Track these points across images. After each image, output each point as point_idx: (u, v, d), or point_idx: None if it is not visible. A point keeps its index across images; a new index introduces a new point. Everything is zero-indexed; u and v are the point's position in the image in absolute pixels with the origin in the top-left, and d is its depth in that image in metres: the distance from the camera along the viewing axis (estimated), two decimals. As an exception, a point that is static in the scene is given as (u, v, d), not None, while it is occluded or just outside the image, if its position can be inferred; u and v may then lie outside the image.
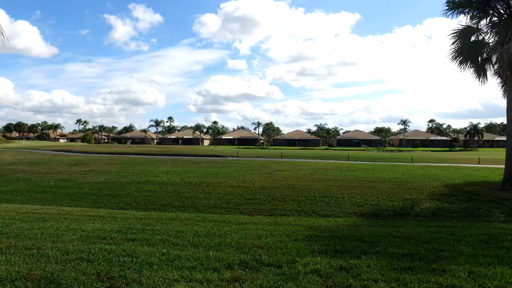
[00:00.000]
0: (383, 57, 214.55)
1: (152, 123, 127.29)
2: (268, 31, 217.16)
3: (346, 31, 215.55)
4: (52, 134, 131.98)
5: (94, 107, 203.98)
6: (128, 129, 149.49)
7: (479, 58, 16.20)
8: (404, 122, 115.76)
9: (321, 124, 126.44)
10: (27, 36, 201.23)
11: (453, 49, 16.13)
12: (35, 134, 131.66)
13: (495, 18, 15.42)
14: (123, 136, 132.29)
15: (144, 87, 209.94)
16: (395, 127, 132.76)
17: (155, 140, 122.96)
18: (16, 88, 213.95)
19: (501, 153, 43.36)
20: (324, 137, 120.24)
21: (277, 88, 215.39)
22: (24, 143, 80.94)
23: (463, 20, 16.12)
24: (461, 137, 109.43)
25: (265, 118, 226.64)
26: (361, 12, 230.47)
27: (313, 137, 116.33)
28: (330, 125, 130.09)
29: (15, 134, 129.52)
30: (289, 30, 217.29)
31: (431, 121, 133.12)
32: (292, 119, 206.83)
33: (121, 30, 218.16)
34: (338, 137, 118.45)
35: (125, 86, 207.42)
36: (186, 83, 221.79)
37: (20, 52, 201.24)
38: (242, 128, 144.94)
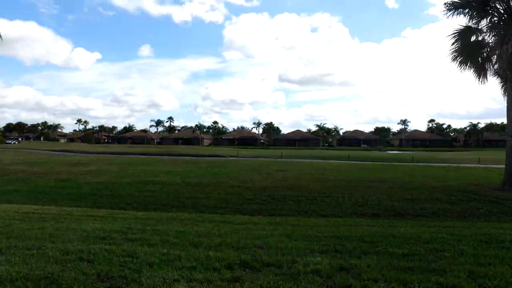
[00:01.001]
0: (378, 61, 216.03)
1: (153, 123, 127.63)
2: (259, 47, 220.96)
3: (337, 38, 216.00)
4: (52, 134, 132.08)
5: (112, 109, 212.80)
6: (128, 129, 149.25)
7: (479, 58, 16.19)
8: (404, 122, 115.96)
9: (321, 124, 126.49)
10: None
11: (453, 49, 16.14)
12: (35, 134, 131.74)
13: (495, 18, 15.41)
14: (123, 136, 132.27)
15: (154, 90, 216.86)
16: (395, 127, 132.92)
17: (155, 140, 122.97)
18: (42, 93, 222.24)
19: (501, 153, 43.33)
20: (325, 137, 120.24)
21: (276, 93, 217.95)
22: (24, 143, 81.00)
23: (463, 20, 16.06)
24: (461, 137, 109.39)
25: (265, 119, 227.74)
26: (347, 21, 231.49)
27: (313, 136, 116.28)
28: (330, 125, 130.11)
29: (15, 134, 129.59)
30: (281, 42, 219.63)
31: (431, 121, 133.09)
32: (292, 119, 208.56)
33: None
34: (338, 137, 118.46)
35: (133, 89, 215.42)
36: (185, 86, 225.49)
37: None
38: (242, 128, 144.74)
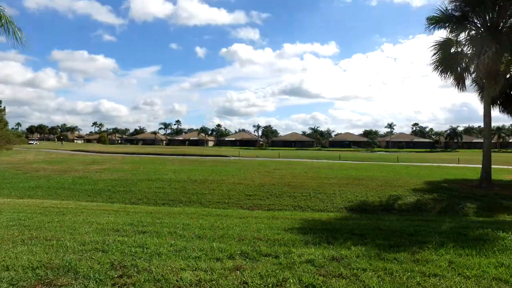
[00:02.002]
0: (365, 72, 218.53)
1: (161, 125, 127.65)
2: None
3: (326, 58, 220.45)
4: (70, 135, 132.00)
5: (137, 115, 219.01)
6: (139, 131, 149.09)
7: (458, 68, 16.15)
8: (390, 126, 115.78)
9: (315, 127, 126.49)
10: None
11: (434, 60, 16.10)
12: (55, 136, 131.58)
13: (473, 32, 15.42)
14: (134, 137, 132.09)
15: (171, 99, 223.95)
16: (382, 130, 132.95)
17: (164, 141, 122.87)
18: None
19: (478, 154, 43.45)
20: (318, 139, 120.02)
21: (274, 102, 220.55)
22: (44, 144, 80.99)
23: (443, 33, 16.07)
24: (442, 139, 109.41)
25: (264, 123, 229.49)
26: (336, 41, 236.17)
27: (308, 138, 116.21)
28: (323, 128, 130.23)
29: (36, 135, 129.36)
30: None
31: (414, 124, 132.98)
32: (288, 123, 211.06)
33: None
34: (330, 139, 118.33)
35: (154, 98, 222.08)
36: (196, 96, 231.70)
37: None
38: (243, 130, 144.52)
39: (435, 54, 15.98)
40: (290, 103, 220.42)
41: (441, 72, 16.14)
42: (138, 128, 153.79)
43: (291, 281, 3.51)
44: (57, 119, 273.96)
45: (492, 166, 15.53)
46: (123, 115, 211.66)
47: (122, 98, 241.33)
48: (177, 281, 3.47)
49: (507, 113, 18.04)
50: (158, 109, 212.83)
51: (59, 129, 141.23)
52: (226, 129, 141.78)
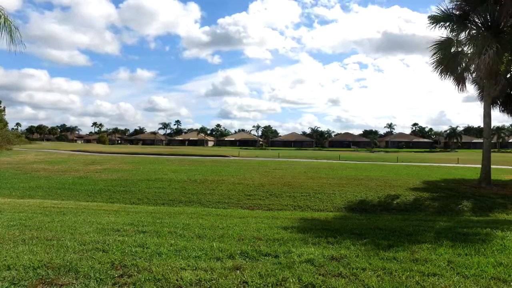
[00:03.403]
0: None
1: (161, 126, 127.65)
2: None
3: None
4: (70, 135, 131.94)
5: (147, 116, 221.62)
6: (139, 131, 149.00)
7: (459, 68, 16.15)
8: (390, 126, 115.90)
9: (314, 127, 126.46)
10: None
11: (434, 60, 16.09)
12: (55, 136, 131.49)
13: (474, 31, 15.42)
14: (134, 137, 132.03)
15: (177, 102, 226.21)
16: (382, 130, 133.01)
17: (163, 142, 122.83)
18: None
19: (477, 154, 43.50)
20: (317, 139, 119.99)
21: (274, 104, 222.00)
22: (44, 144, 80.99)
23: (444, 32, 16.02)
24: (442, 139, 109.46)
25: (264, 123, 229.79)
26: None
27: (308, 139, 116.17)
28: (323, 129, 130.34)
29: (36, 135, 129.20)
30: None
31: (414, 124, 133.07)
32: (287, 123, 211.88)
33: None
34: (330, 139, 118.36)
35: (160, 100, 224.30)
36: (198, 99, 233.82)
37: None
38: (243, 130, 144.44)
39: (435, 53, 15.97)
40: (288, 105, 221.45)
41: (441, 72, 16.13)
42: (138, 128, 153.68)
43: (291, 280, 3.52)
44: (72, 120, 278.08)
45: (492, 166, 15.56)
46: (135, 116, 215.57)
47: (133, 100, 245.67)
48: (177, 280, 3.49)
49: (507, 113, 18.09)
50: (164, 111, 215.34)
51: (59, 129, 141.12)
52: (225, 129, 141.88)
